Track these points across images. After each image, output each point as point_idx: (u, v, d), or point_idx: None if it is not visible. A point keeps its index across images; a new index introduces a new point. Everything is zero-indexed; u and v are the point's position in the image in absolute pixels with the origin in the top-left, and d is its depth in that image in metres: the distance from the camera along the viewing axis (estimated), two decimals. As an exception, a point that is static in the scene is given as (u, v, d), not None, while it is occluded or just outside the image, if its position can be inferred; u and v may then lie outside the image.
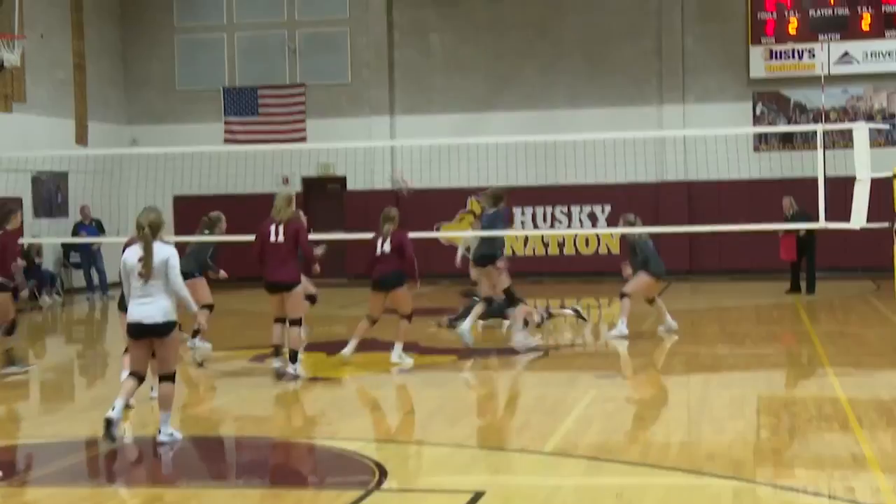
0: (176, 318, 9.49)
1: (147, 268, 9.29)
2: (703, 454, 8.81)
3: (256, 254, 12.70)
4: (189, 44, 28.40)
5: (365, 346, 15.22)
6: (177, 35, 28.48)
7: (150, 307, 9.32)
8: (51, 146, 24.22)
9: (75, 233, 24.24)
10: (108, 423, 9.20)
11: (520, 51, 26.77)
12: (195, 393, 12.46)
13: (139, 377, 9.56)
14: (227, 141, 26.72)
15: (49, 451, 9.89)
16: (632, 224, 15.65)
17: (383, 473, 8.30)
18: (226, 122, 27.20)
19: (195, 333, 14.96)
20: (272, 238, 12.57)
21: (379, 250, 13.27)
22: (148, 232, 9.35)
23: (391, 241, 13.21)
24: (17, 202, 24.11)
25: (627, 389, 12.48)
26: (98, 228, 24.20)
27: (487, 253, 15.49)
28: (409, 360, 13.43)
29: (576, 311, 16.88)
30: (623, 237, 15.85)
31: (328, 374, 13.19)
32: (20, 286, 13.24)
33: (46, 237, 23.30)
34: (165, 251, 9.41)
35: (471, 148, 22.01)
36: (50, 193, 25.37)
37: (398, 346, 13.50)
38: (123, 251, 10.21)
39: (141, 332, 9.41)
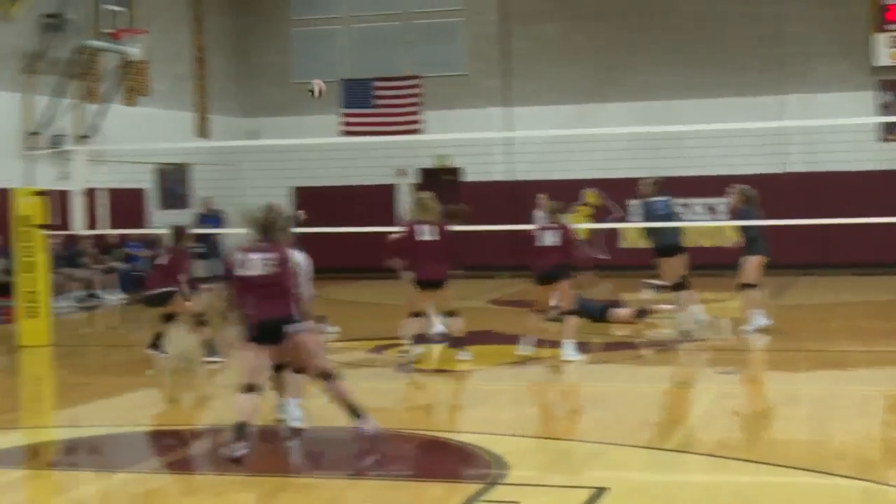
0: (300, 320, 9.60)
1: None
2: (831, 453, 8.61)
3: (406, 251, 13.11)
4: (305, 36, 28.69)
5: (485, 338, 15.24)
6: (293, 27, 28.79)
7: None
8: (173, 139, 24.68)
9: (198, 224, 24.66)
10: (296, 432, 9.51)
11: (635, 39, 26.51)
12: (314, 383, 12.54)
13: (280, 368, 9.70)
14: (343, 133, 26.92)
15: (174, 438, 10.10)
16: (749, 197, 15.27)
17: (504, 467, 8.28)
18: (342, 114, 27.38)
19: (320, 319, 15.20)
20: (425, 237, 12.93)
21: (544, 242, 13.21)
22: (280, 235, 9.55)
23: (560, 234, 13.17)
24: (142, 194, 24.70)
25: (750, 385, 12.27)
26: (219, 220, 24.62)
27: (675, 242, 15.36)
28: (580, 356, 13.21)
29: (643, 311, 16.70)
30: (735, 209, 15.52)
31: (449, 366, 13.20)
32: (185, 296, 13.77)
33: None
34: (295, 255, 9.56)
35: (586, 139, 21.85)
36: (173, 185, 25.88)
37: (568, 343, 13.25)
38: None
39: None
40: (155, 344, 13.83)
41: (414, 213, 13.53)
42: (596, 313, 16.67)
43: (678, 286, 15.60)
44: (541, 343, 13.63)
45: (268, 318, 8.76)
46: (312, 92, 14.50)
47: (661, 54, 26.29)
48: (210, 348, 13.63)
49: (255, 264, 8.81)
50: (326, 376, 9.05)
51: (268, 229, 8.93)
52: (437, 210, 13.20)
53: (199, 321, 13.75)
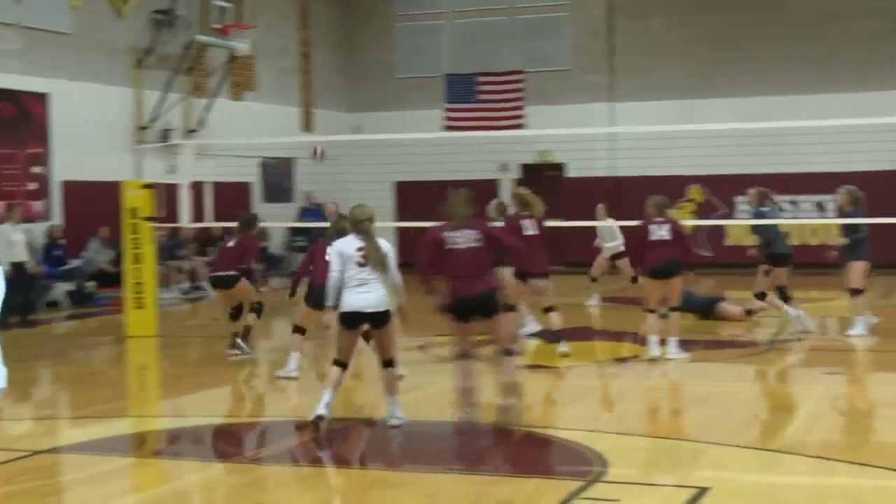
0: (391, 307, 9.65)
1: (370, 257, 9.49)
2: (943, 457, 8.40)
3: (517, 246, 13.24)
4: (409, 31, 28.79)
5: (585, 334, 15.14)
6: (397, 23, 28.91)
7: (370, 296, 9.49)
8: (278, 133, 24.96)
9: (300, 217, 24.90)
10: (319, 419, 9.40)
11: (742, 34, 26.12)
12: (417, 377, 12.57)
13: (344, 366, 9.67)
14: (445, 128, 26.95)
15: (275, 429, 10.20)
16: (856, 198, 14.88)
17: (605, 465, 8.20)
18: (445, 109, 27.40)
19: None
20: (529, 231, 13.19)
21: (654, 236, 13.02)
22: (368, 225, 9.60)
23: (671, 228, 13.03)
24: (248, 187, 25.02)
25: (856, 386, 12.00)
26: (321, 214, 24.80)
27: (787, 252, 15.25)
28: (683, 354, 13.07)
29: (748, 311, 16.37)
30: (843, 210, 15.11)
31: (548, 361, 13.13)
32: (259, 283, 13.97)
33: (273, 221, 23.98)
34: (384, 243, 9.61)
35: (691, 135, 21.57)
36: (277, 179, 26.17)
37: (673, 342, 13.07)
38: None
39: (357, 320, 9.57)
40: (234, 344, 13.92)
41: (516, 208, 13.57)
42: (704, 307, 16.43)
43: (784, 297, 15.36)
44: (642, 340, 13.48)
45: (475, 293, 9.40)
46: (315, 151, 14.68)
47: (769, 49, 25.86)
48: (245, 336, 13.71)
49: (462, 240, 9.46)
50: (508, 353, 9.62)
51: (468, 207, 9.59)
52: (537, 204, 13.36)
53: (253, 308, 13.86)
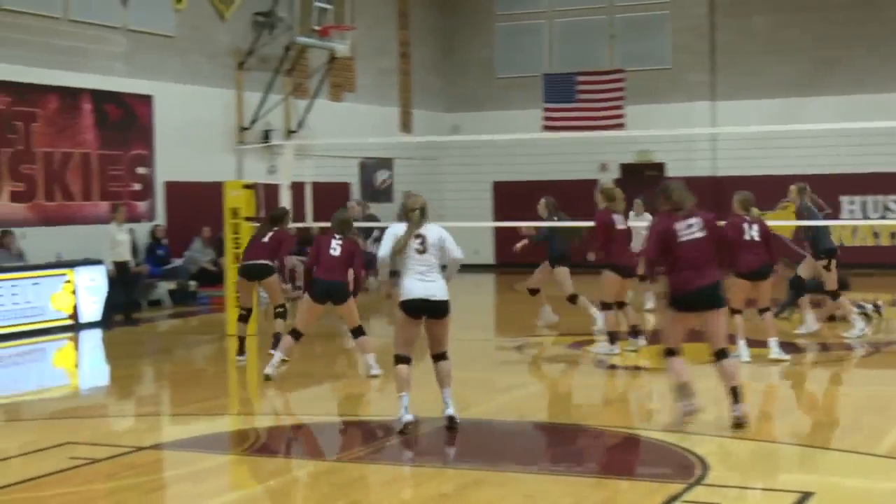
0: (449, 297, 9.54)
1: (424, 245, 9.43)
2: None
3: (604, 243, 13.41)
4: (509, 31, 28.74)
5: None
6: (496, 22, 28.88)
7: (433, 285, 9.41)
8: (376, 133, 25.08)
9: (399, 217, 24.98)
10: (408, 426, 9.37)
11: (847, 31, 25.61)
12: (515, 377, 12.53)
13: (408, 360, 9.55)
14: (544, 128, 26.83)
15: (372, 428, 10.23)
16: None
17: (705, 468, 8.08)
18: (544, 109, 27.28)
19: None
20: (621, 225, 13.35)
21: (747, 236, 12.74)
22: (418, 215, 9.51)
23: (758, 228, 12.78)
24: (346, 187, 25.19)
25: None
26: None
27: (834, 246, 15.00)
28: (786, 355, 12.79)
29: (861, 309, 15.77)
30: None
31: (648, 364, 12.99)
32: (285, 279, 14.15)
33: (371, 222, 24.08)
34: (440, 230, 9.58)
35: (794, 134, 21.19)
36: (376, 179, 26.30)
37: (774, 342, 12.83)
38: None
39: (421, 310, 9.42)
40: (241, 349, 13.82)
41: (603, 203, 13.45)
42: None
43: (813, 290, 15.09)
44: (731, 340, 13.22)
45: (705, 284, 9.19)
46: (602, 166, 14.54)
47: (876, 46, 25.32)
48: (277, 344, 13.63)
49: (693, 230, 9.26)
50: (721, 354, 9.38)
51: (691, 194, 9.45)
52: (620, 200, 13.46)
53: (277, 312, 13.85)
